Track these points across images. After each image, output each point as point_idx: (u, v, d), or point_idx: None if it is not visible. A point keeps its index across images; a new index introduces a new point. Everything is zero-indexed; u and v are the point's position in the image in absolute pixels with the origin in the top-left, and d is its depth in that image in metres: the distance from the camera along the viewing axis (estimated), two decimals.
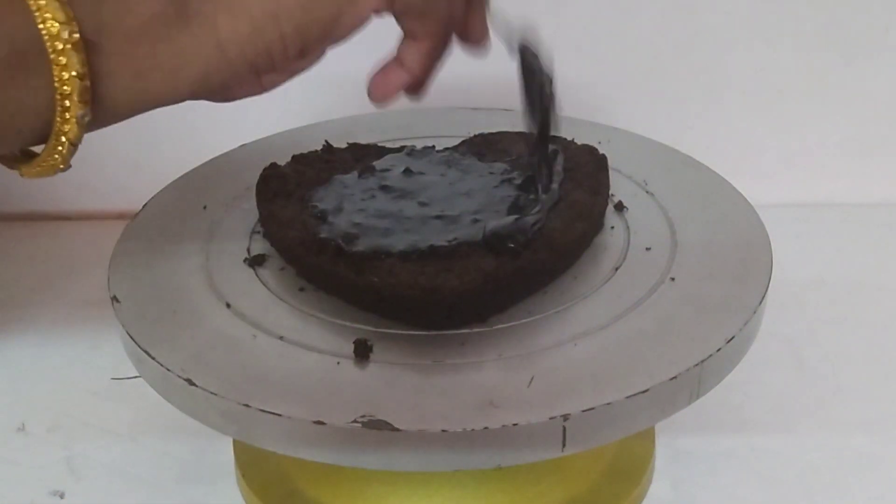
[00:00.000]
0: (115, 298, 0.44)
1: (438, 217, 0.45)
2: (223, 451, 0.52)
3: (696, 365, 0.38)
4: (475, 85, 0.72)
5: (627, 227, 0.48)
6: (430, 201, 0.46)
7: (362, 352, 0.40)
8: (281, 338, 0.41)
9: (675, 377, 0.38)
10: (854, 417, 0.54)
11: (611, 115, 0.58)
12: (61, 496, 0.51)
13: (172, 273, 0.46)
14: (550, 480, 0.48)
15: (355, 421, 0.36)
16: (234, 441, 0.51)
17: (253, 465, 0.50)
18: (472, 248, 0.42)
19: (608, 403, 0.37)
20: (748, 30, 0.71)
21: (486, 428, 0.36)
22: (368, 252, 0.42)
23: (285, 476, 0.49)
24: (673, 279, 0.44)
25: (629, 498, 0.49)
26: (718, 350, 0.39)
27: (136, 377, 0.43)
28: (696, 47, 0.72)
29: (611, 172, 0.51)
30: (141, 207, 0.52)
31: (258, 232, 0.49)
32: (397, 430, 0.36)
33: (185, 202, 0.52)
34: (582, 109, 0.59)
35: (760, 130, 0.74)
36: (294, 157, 0.52)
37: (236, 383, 0.38)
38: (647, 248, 0.46)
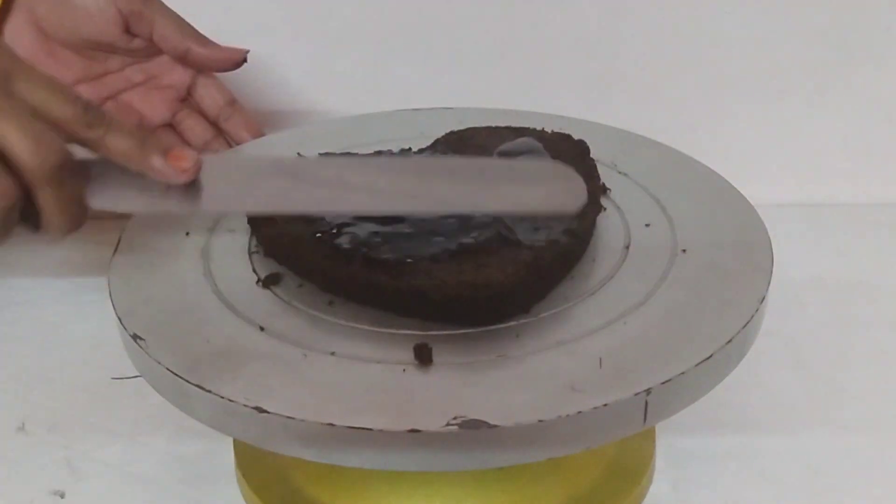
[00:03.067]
0: (136, 337, 0.42)
1: (451, 217, 0.45)
2: (223, 450, 0.52)
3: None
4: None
5: (622, 215, 0.49)
6: None
7: (425, 356, 0.39)
8: (332, 353, 0.40)
9: (730, 340, 0.40)
10: (854, 417, 0.54)
11: (611, 116, 0.58)
12: (61, 496, 0.51)
13: (185, 305, 0.44)
14: (550, 480, 0.48)
15: (449, 424, 0.36)
16: (235, 441, 0.51)
17: (253, 465, 0.50)
18: (500, 242, 0.43)
19: (682, 373, 0.38)
20: (748, 30, 0.71)
21: (579, 412, 0.36)
22: (399, 257, 0.42)
23: (285, 476, 0.49)
24: (672, 279, 0.44)
25: (629, 498, 0.49)
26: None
27: (136, 377, 0.43)
28: (696, 47, 0.72)
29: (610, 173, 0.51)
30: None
31: (256, 252, 0.47)
32: (494, 426, 0.36)
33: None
34: (582, 109, 0.59)
35: (761, 131, 0.74)
36: None
37: (310, 404, 0.37)
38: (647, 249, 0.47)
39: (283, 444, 0.38)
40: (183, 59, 0.59)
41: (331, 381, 0.39)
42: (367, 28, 0.71)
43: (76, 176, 0.41)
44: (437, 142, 0.53)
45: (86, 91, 0.59)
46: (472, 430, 0.36)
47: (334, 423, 0.36)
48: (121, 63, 0.60)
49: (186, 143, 0.62)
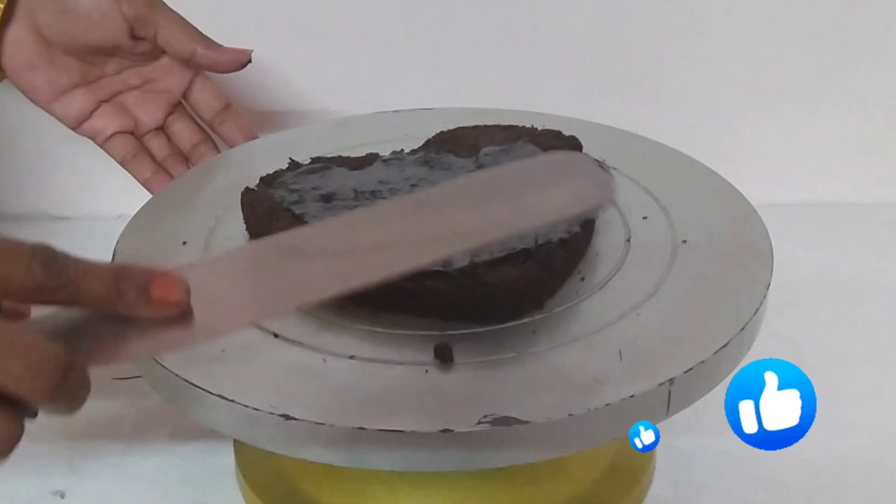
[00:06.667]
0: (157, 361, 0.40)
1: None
2: (223, 450, 0.52)
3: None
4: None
5: (628, 227, 0.48)
6: None
7: (446, 355, 0.39)
8: (351, 357, 0.40)
9: (743, 327, 0.40)
10: (854, 417, 0.54)
11: (611, 116, 0.58)
12: (61, 496, 0.51)
13: None
14: (550, 480, 0.48)
15: (480, 423, 0.36)
16: (235, 441, 0.51)
17: (253, 465, 0.50)
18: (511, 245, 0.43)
19: (702, 361, 0.38)
20: (748, 30, 0.71)
21: (607, 405, 0.36)
22: None
23: (285, 476, 0.49)
24: (678, 270, 0.44)
25: (629, 498, 0.49)
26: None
27: (136, 377, 0.42)
28: (696, 47, 0.72)
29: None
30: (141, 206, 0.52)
31: None
32: (525, 422, 0.36)
33: (184, 202, 0.52)
34: (582, 110, 0.59)
35: (761, 130, 0.74)
36: (262, 179, 0.50)
37: (337, 409, 0.37)
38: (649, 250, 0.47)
39: (310, 449, 0.37)
40: (188, 62, 0.59)
41: (354, 385, 0.38)
42: (364, 28, 0.71)
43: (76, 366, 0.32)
44: (428, 143, 0.53)
45: (82, 95, 0.59)
46: (504, 428, 0.36)
47: (365, 426, 0.36)
48: (118, 67, 0.60)
49: (175, 146, 0.61)
